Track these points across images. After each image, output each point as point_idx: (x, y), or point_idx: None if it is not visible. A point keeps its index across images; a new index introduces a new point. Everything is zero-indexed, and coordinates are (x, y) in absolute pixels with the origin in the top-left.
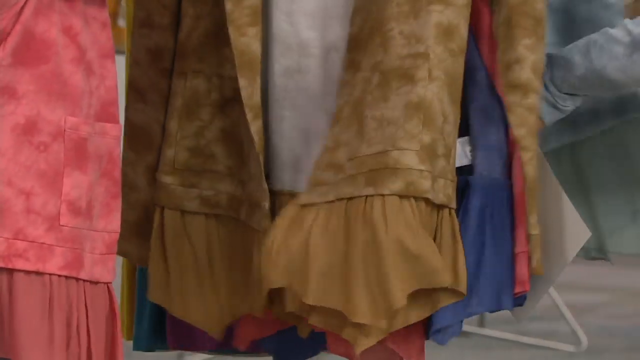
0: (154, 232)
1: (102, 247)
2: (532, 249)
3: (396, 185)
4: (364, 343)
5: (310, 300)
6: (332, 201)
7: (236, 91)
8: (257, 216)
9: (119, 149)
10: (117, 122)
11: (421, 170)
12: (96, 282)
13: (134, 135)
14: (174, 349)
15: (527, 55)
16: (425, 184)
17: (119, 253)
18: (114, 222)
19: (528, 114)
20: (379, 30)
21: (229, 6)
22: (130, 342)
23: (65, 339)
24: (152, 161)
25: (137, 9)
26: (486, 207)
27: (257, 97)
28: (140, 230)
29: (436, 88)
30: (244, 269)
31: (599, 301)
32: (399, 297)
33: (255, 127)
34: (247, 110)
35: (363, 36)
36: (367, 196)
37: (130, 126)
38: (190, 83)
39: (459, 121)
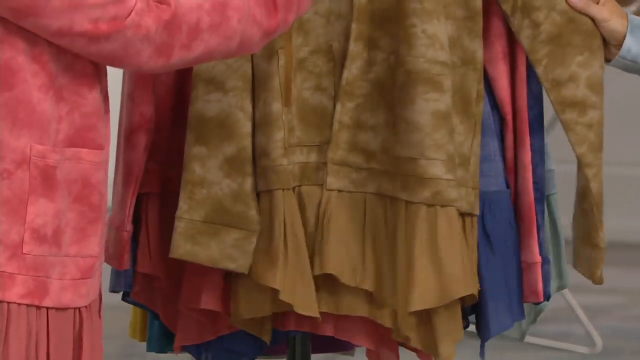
0: (283, 217)
1: (74, 273)
2: (599, 262)
3: (423, 194)
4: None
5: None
6: (375, 194)
7: (297, 59)
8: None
9: (99, 174)
10: (96, 147)
11: (448, 180)
12: (64, 308)
13: (206, 129)
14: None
15: (581, 73)
16: (452, 193)
17: (183, 257)
18: (91, 247)
19: (587, 131)
20: (398, 20)
21: None
22: (144, 343)
23: None
24: (233, 152)
25: None
26: (485, 217)
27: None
28: (210, 229)
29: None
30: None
31: (614, 303)
32: (418, 305)
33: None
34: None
35: (376, 12)
36: (405, 201)
37: (200, 120)
38: (281, 61)
39: (471, 131)
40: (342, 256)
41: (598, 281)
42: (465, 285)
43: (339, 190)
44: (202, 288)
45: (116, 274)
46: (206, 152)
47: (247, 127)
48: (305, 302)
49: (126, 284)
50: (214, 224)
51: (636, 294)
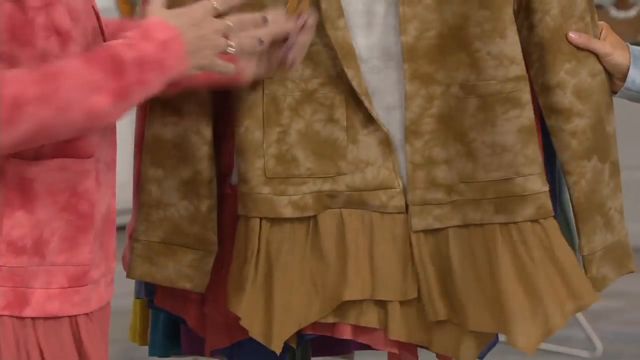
0: (257, 245)
1: (62, 281)
2: (585, 269)
3: (527, 211)
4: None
5: (470, 327)
6: (460, 226)
7: (304, 91)
8: (382, 199)
9: (87, 182)
10: (81, 156)
11: (546, 192)
12: (55, 317)
13: (162, 151)
14: (189, 354)
15: (569, 80)
16: (549, 203)
17: (141, 278)
18: (82, 256)
19: (570, 138)
20: (460, 47)
21: (324, 4)
22: (146, 348)
23: None
24: (188, 175)
25: None
26: None
27: (365, 84)
28: (167, 250)
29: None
30: (362, 251)
31: (614, 307)
32: (557, 318)
33: (374, 112)
34: (362, 98)
35: (427, 47)
36: (499, 224)
37: (156, 142)
38: (268, 90)
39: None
40: (429, 288)
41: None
42: (590, 289)
43: (424, 231)
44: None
45: (139, 281)
46: (162, 174)
47: (203, 150)
48: (264, 331)
49: (148, 291)
50: (171, 245)
51: (636, 299)
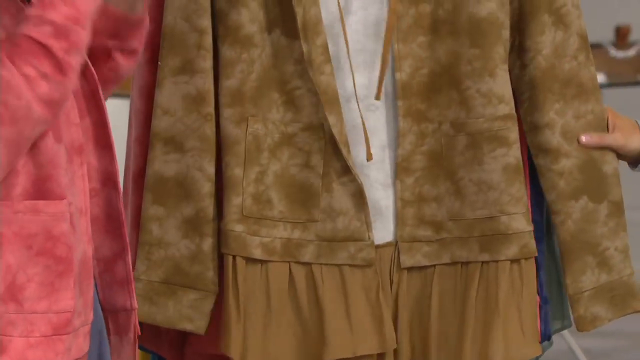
0: (230, 282)
1: (45, 329)
2: (572, 308)
3: (511, 250)
4: None
5: None
6: (448, 264)
7: (284, 134)
8: (351, 251)
9: (62, 225)
10: (56, 197)
11: (530, 232)
12: None
13: (164, 189)
14: None
15: (557, 120)
16: (534, 243)
17: (140, 318)
18: (63, 302)
19: (558, 178)
20: (452, 85)
21: (305, 48)
22: None
23: None
24: (190, 212)
25: (170, 58)
26: None
27: (345, 133)
28: (168, 290)
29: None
30: (322, 310)
31: (615, 346)
32: None
33: (351, 161)
34: (341, 147)
35: (420, 85)
36: (482, 262)
37: (158, 180)
38: (251, 128)
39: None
40: (407, 332)
41: (580, 329)
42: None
43: (410, 268)
44: (211, 332)
45: None
46: (164, 213)
47: (205, 187)
48: None
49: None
50: (172, 285)
51: (638, 338)
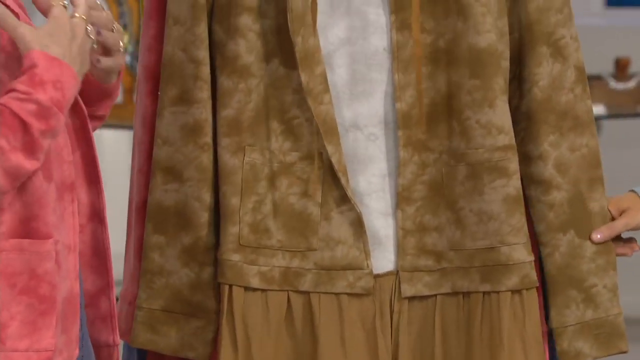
0: (225, 311)
1: None
2: (556, 342)
3: (511, 281)
4: None
5: None
6: (449, 294)
7: (282, 163)
8: (349, 280)
9: (47, 264)
10: (42, 237)
11: (531, 262)
12: None
13: (164, 218)
14: None
15: (551, 152)
16: (534, 273)
17: (143, 346)
18: (45, 341)
19: (547, 210)
20: (452, 115)
21: (304, 78)
22: None
23: None
24: (189, 241)
25: (168, 88)
26: None
27: (344, 162)
28: (170, 318)
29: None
30: (316, 339)
31: None
32: None
33: (349, 190)
34: (340, 175)
35: (421, 114)
36: (484, 293)
37: (158, 209)
38: (249, 158)
39: None
40: None
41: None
42: None
43: (411, 298)
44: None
45: (128, 350)
46: (164, 241)
47: (203, 217)
48: None
49: (140, 357)
50: (173, 313)
51: None
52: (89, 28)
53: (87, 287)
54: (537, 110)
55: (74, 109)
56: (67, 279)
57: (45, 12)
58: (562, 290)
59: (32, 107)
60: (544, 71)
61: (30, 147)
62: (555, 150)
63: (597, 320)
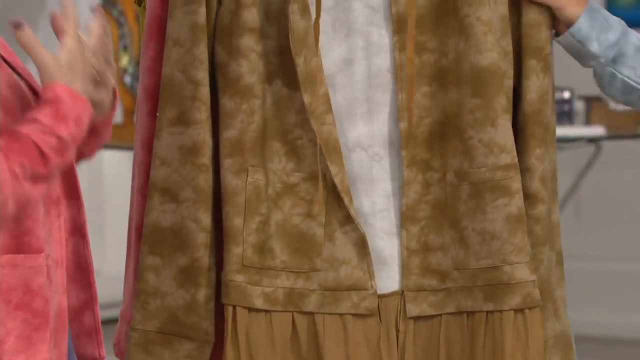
0: (229, 332)
1: None
2: None
3: (514, 300)
4: None
5: None
6: (454, 313)
7: (285, 184)
8: (354, 300)
9: (40, 278)
10: (35, 251)
11: (533, 281)
12: None
13: (160, 239)
14: None
15: (538, 166)
16: (537, 292)
17: None
18: (40, 355)
19: (534, 224)
20: (455, 134)
21: (307, 98)
22: None
23: None
24: (185, 263)
25: (167, 109)
26: None
27: (347, 182)
28: (164, 339)
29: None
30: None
31: None
32: None
33: (352, 210)
34: (343, 196)
35: (424, 134)
36: (487, 312)
37: (155, 230)
38: (252, 179)
39: None
40: None
41: None
42: None
43: (416, 317)
44: None
45: None
46: (160, 263)
47: (200, 238)
48: None
49: None
50: (168, 335)
51: None
52: (96, 63)
53: (71, 302)
54: (528, 123)
55: None
56: (57, 294)
57: (58, 34)
58: (544, 304)
59: (53, 141)
60: (533, 84)
61: (42, 178)
62: (541, 164)
63: (561, 332)
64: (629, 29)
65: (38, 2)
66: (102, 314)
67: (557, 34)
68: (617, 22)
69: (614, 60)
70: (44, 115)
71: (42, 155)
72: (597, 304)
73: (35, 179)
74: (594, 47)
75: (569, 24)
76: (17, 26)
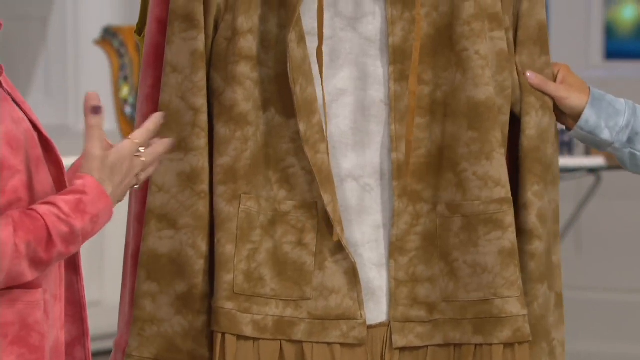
0: (217, 359)
1: None
2: None
3: (504, 334)
4: None
5: None
6: (441, 345)
7: (277, 212)
8: (343, 330)
9: (37, 313)
10: (32, 286)
11: (524, 315)
12: None
13: (157, 265)
14: None
15: (535, 202)
16: (527, 327)
17: None
18: None
19: (529, 260)
20: (448, 167)
21: (302, 127)
22: None
23: None
24: (184, 289)
25: (165, 135)
26: None
27: (339, 211)
28: None
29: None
30: None
31: None
32: None
33: (344, 240)
34: (335, 225)
35: (417, 165)
36: (476, 345)
37: (152, 256)
38: (244, 206)
39: None
40: None
41: None
42: None
43: (402, 348)
44: None
45: None
46: (157, 289)
47: (198, 264)
48: None
49: None
50: None
51: None
52: (143, 173)
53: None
54: (526, 159)
55: (51, 159)
56: (54, 328)
57: (87, 111)
58: (537, 342)
59: (65, 229)
60: (532, 120)
61: (40, 263)
62: (539, 200)
63: None
64: (638, 105)
65: (38, 33)
66: (101, 345)
67: (567, 129)
68: (623, 104)
69: (630, 141)
70: (65, 202)
71: (50, 239)
72: (596, 335)
73: (35, 263)
74: (606, 134)
75: (574, 114)
76: (95, 111)
